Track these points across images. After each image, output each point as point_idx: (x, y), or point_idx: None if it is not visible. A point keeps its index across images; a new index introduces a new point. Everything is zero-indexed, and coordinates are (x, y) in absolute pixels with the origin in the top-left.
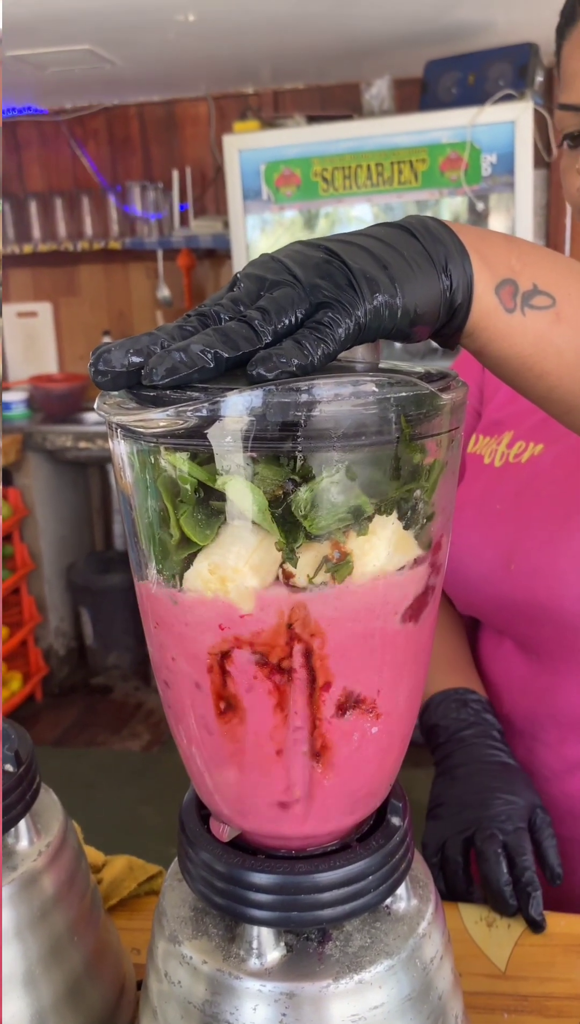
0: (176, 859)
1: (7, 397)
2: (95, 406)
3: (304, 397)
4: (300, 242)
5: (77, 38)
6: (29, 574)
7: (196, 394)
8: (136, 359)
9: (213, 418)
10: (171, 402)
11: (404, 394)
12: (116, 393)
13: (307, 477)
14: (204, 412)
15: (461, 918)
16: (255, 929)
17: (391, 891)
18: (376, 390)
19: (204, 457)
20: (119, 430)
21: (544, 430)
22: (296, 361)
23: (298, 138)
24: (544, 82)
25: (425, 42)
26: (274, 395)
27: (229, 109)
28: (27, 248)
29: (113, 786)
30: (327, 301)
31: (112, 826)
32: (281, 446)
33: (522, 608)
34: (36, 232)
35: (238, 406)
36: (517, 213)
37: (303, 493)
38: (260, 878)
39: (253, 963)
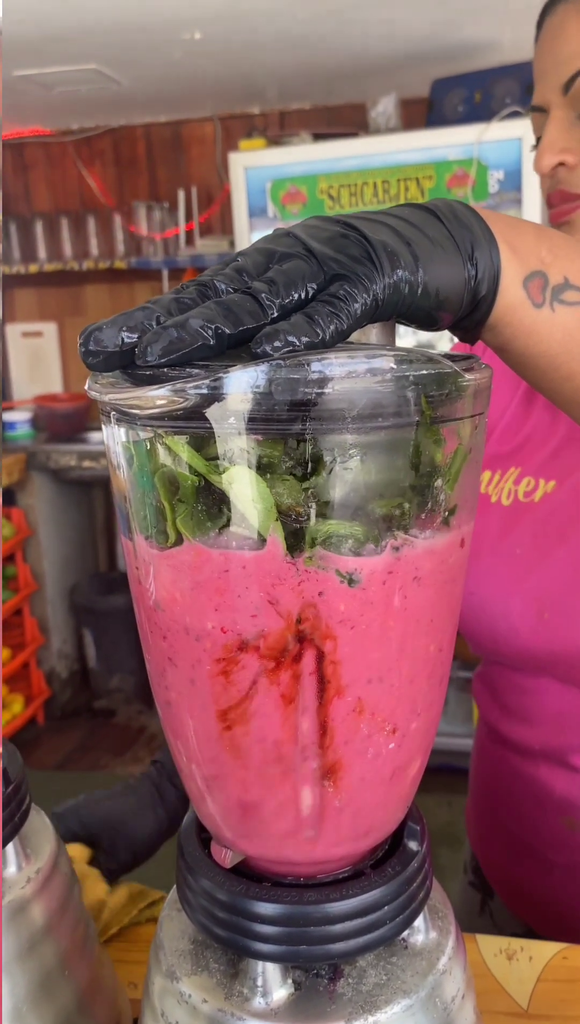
0: (174, 887)
1: (12, 416)
2: (85, 387)
3: (315, 373)
4: (318, 217)
5: (84, 57)
6: (32, 595)
7: (196, 371)
8: (130, 337)
9: (214, 396)
10: (169, 380)
11: (425, 372)
12: (110, 374)
13: (321, 500)
14: (205, 389)
15: (479, 950)
16: (260, 964)
17: (408, 923)
18: (394, 366)
19: (209, 452)
20: (113, 413)
21: (554, 465)
22: (305, 338)
23: (304, 155)
24: None
25: (431, 61)
26: (282, 371)
27: (235, 129)
28: (33, 268)
29: None
30: (343, 274)
31: None
32: (289, 428)
33: (560, 655)
34: (42, 252)
35: (242, 383)
36: None
37: (319, 527)
38: (265, 908)
39: (258, 1002)
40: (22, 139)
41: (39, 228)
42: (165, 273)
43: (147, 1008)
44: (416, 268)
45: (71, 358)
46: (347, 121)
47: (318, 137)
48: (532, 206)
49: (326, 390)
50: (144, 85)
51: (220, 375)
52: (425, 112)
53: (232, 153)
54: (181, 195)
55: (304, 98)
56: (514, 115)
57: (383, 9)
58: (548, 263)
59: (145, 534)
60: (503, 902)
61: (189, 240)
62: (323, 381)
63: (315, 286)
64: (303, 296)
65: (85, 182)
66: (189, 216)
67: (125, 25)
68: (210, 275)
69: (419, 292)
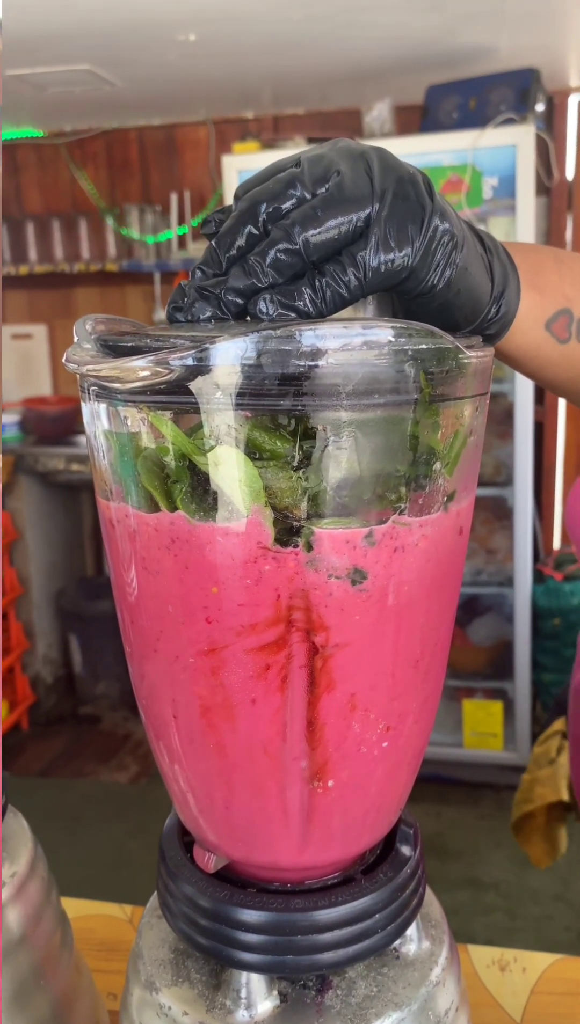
0: (154, 894)
1: None
2: (63, 359)
3: (307, 345)
4: (390, 154)
5: (77, 57)
6: (17, 599)
7: (181, 341)
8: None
9: (200, 368)
10: (151, 350)
11: (424, 347)
12: (88, 345)
13: (313, 483)
14: (190, 361)
15: (471, 961)
16: (244, 975)
17: (400, 932)
18: (392, 339)
19: (198, 431)
20: (92, 390)
21: None
22: (306, 308)
23: None
24: (546, 109)
25: (427, 66)
26: (272, 341)
27: (229, 133)
28: (23, 269)
29: (100, 819)
30: (393, 213)
31: (99, 861)
32: (279, 403)
33: None
34: (32, 254)
35: (229, 354)
36: (518, 237)
37: (310, 513)
38: (250, 916)
39: (241, 1015)
40: (14, 140)
41: (30, 230)
42: (157, 276)
43: (125, 1020)
44: (457, 263)
45: (60, 360)
46: (341, 126)
47: (312, 141)
48: (526, 213)
49: (319, 363)
50: (138, 87)
51: (206, 346)
52: (419, 118)
53: (225, 156)
54: (174, 198)
55: (298, 103)
56: (509, 122)
57: (379, 14)
58: (572, 298)
59: (132, 507)
60: None
61: (181, 243)
62: (316, 353)
63: (362, 217)
64: (344, 230)
65: (77, 184)
66: (181, 219)
67: (119, 25)
68: (266, 189)
69: (437, 291)
